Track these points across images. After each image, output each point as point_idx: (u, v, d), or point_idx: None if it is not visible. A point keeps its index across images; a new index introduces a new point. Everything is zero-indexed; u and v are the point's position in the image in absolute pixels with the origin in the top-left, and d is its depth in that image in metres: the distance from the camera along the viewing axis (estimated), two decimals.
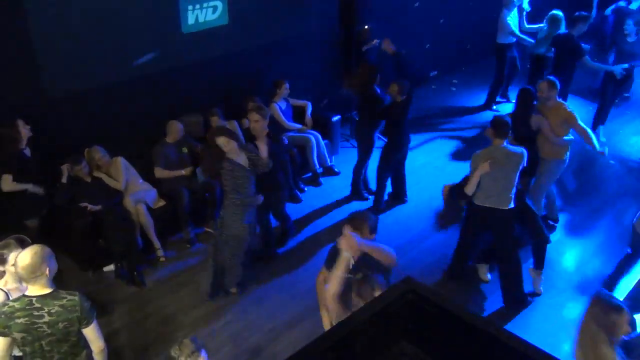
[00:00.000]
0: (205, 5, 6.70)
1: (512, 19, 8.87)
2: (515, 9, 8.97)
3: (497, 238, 5.56)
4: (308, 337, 4.88)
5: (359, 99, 7.00)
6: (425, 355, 1.86)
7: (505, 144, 5.26)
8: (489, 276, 5.94)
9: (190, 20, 6.66)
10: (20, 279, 3.71)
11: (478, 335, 1.86)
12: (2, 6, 5.35)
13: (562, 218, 6.90)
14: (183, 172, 6.51)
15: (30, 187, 5.52)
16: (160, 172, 6.44)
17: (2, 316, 3.48)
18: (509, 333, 1.95)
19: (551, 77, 6.23)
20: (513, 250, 5.48)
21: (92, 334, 3.67)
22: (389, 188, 7.20)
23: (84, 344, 3.73)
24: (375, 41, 8.43)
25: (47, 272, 3.51)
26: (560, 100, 6.29)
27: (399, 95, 6.43)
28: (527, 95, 6.15)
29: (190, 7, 6.59)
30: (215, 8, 6.81)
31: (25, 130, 5.46)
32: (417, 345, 1.89)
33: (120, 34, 6.17)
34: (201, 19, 6.78)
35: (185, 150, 6.59)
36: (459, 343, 1.88)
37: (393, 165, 6.99)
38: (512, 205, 5.27)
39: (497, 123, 5.29)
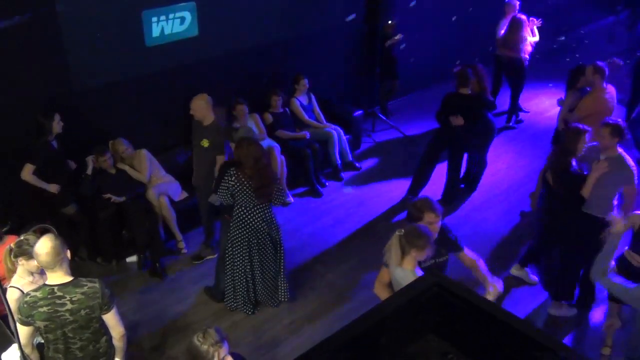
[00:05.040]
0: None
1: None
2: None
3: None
4: (327, 330, 4.89)
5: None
6: (452, 348, 1.86)
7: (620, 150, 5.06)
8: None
9: None
10: (37, 273, 3.78)
11: (504, 328, 1.85)
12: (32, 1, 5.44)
13: None
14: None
15: (48, 187, 5.54)
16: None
17: (25, 306, 3.53)
18: (536, 328, 1.94)
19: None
20: None
21: (112, 319, 3.72)
22: None
23: (104, 330, 3.79)
24: (399, 36, 8.41)
25: (68, 254, 3.57)
26: None
27: (461, 85, 6.45)
28: None
29: None
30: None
31: (58, 126, 5.51)
32: (443, 338, 1.88)
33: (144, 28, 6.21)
34: None
35: (205, 144, 5.83)
36: (485, 336, 1.87)
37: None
38: None
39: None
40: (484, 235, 6.53)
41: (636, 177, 5.01)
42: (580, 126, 5.26)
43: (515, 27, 8.29)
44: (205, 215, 6.14)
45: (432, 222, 4.14)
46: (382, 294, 4.14)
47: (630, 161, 5.04)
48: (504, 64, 8.65)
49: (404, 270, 3.86)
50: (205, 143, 5.79)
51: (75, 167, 5.84)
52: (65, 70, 5.79)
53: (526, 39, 8.42)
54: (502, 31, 8.55)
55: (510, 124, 9.00)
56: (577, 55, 11.24)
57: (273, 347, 5.13)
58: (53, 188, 5.56)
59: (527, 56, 8.52)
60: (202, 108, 5.73)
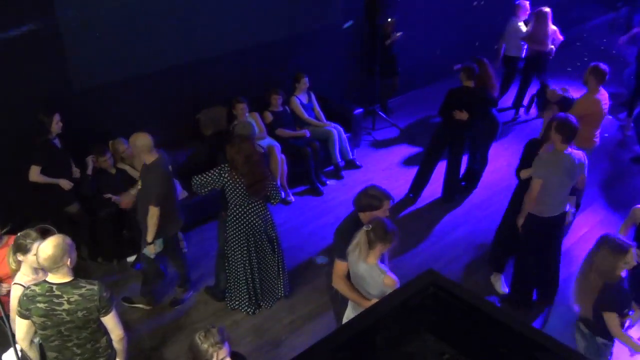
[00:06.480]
0: None
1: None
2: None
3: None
4: (328, 330, 4.89)
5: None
6: (447, 346, 1.86)
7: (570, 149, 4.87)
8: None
9: None
10: (40, 269, 3.78)
11: (502, 329, 1.85)
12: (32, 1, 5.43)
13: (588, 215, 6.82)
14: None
15: (58, 181, 5.55)
16: None
17: (24, 298, 3.56)
18: (530, 326, 1.93)
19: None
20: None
21: (110, 322, 3.73)
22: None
23: (104, 330, 3.79)
24: (398, 34, 8.40)
25: (68, 262, 3.57)
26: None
27: (467, 78, 6.50)
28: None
29: None
30: None
31: (57, 126, 5.51)
32: (441, 337, 1.88)
33: (145, 27, 6.21)
34: None
35: (139, 185, 5.20)
36: (483, 336, 1.87)
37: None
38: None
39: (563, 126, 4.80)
40: (485, 232, 6.52)
41: (555, 177, 4.83)
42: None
43: (542, 20, 8.26)
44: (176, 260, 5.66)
45: (386, 209, 4.19)
46: (343, 286, 4.17)
47: (567, 162, 4.80)
48: (531, 59, 8.61)
49: (368, 264, 3.90)
50: (139, 184, 5.16)
51: (80, 174, 5.84)
52: (65, 70, 5.80)
53: (554, 31, 8.43)
54: (528, 28, 8.50)
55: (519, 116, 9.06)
56: (577, 44, 11.26)
57: (274, 346, 5.14)
58: (63, 183, 5.58)
59: (553, 47, 8.53)
60: (135, 147, 5.00)
